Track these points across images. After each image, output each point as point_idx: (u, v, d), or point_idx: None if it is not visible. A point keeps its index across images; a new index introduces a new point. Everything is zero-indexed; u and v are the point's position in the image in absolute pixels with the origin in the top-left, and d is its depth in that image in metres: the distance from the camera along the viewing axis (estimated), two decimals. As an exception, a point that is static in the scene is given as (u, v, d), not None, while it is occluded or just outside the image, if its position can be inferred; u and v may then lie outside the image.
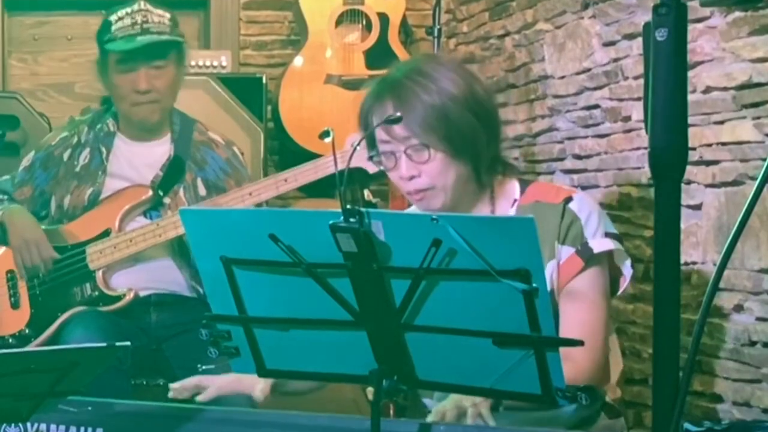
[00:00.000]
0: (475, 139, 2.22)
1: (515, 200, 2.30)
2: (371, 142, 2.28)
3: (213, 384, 2.35)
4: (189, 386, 2.36)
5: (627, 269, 2.29)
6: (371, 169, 3.01)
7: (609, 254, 2.25)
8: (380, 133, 2.23)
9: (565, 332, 2.15)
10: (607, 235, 2.25)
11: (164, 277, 3.24)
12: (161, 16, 3.21)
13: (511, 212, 2.28)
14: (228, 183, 3.29)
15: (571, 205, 2.24)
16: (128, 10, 3.20)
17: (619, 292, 2.33)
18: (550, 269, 2.21)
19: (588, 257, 2.22)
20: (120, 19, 3.19)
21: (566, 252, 2.22)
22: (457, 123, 2.19)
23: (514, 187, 2.32)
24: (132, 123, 3.26)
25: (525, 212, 2.19)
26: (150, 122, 3.23)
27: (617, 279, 2.30)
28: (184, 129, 3.30)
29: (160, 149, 3.27)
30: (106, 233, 3.20)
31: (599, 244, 2.23)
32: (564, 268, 2.22)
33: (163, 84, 3.18)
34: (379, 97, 2.24)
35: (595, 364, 2.18)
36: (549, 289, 2.19)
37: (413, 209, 2.41)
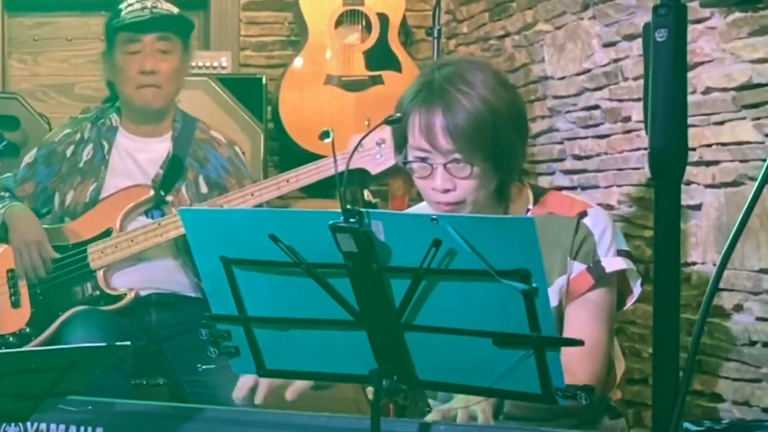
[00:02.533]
0: (514, 157, 2.19)
1: (528, 210, 2.29)
2: (401, 145, 2.22)
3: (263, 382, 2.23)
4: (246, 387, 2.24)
5: (636, 288, 2.28)
6: (372, 170, 3.01)
7: (620, 272, 2.24)
8: (420, 141, 2.15)
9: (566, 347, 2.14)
10: (620, 253, 2.24)
11: (165, 276, 3.25)
12: (170, 6, 3.30)
13: None
14: (229, 182, 3.29)
15: (586, 221, 2.22)
16: None
17: (624, 308, 2.32)
18: (559, 283, 2.21)
19: (599, 276, 2.20)
20: (130, 5, 3.26)
21: (577, 268, 2.21)
22: (502, 142, 2.14)
23: (527, 195, 2.30)
24: (134, 111, 3.27)
25: (538, 223, 2.17)
26: (152, 108, 3.24)
27: (624, 296, 2.29)
28: (186, 127, 3.31)
29: (161, 146, 3.28)
30: (107, 233, 3.21)
31: (611, 263, 2.21)
32: (574, 284, 2.21)
33: (167, 68, 3.21)
34: (427, 102, 2.14)
35: (595, 378, 2.17)
36: (557, 303, 2.20)
37: (416, 209, 2.40)
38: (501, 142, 2.14)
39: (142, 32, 3.20)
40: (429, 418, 2.04)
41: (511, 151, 2.17)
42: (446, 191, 2.16)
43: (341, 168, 1.87)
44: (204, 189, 3.27)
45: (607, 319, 2.22)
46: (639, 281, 2.27)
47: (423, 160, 2.16)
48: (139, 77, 3.20)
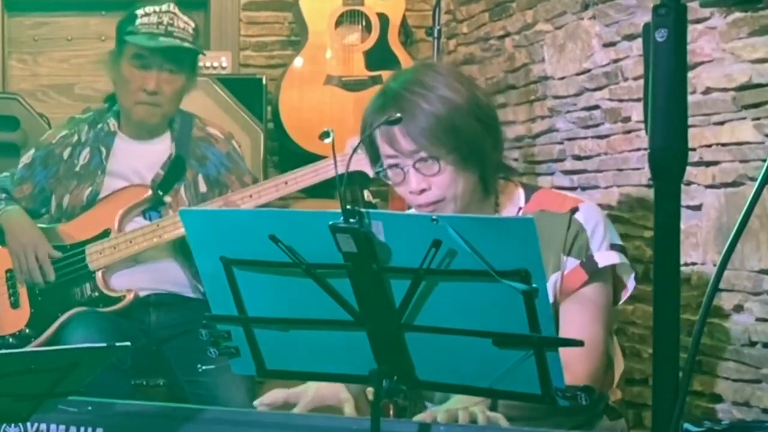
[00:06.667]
0: (482, 146, 2.20)
1: (520, 208, 2.29)
2: (375, 157, 2.26)
3: (304, 399, 2.23)
4: (277, 403, 2.24)
5: (630, 282, 2.29)
6: (372, 172, 3.01)
7: (613, 266, 2.25)
8: (385, 148, 2.21)
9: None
10: (613, 247, 2.24)
11: (164, 277, 3.25)
12: (186, 23, 3.22)
13: None
14: (229, 178, 3.29)
15: (578, 216, 2.23)
16: (156, 8, 3.20)
17: (619, 304, 2.32)
18: (553, 280, 2.21)
19: (593, 271, 2.21)
20: (146, 14, 3.19)
21: (571, 263, 2.22)
22: (463, 132, 2.17)
23: (518, 193, 2.31)
24: (131, 121, 3.27)
25: None
26: (148, 124, 3.24)
27: (619, 290, 2.30)
28: (184, 126, 3.31)
29: (160, 147, 3.28)
30: (105, 233, 3.21)
31: (604, 257, 2.22)
32: (567, 279, 2.21)
33: (171, 89, 3.18)
34: (381, 111, 2.19)
35: (593, 376, 2.17)
36: (552, 299, 2.20)
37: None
38: (463, 133, 2.17)
39: (152, 53, 3.16)
40: (420, 417, 2.04)
41: (477, 142, 2.19)
42: (422, 191, 2.21)
43: (341, 170, 1.87)
44: (203, 188, 3.26)
45: (603, 314, 2.23)
46: (632, 275, 2.28)
47: (394, 166, 2.21)
48: (140, 94, 3.17)
